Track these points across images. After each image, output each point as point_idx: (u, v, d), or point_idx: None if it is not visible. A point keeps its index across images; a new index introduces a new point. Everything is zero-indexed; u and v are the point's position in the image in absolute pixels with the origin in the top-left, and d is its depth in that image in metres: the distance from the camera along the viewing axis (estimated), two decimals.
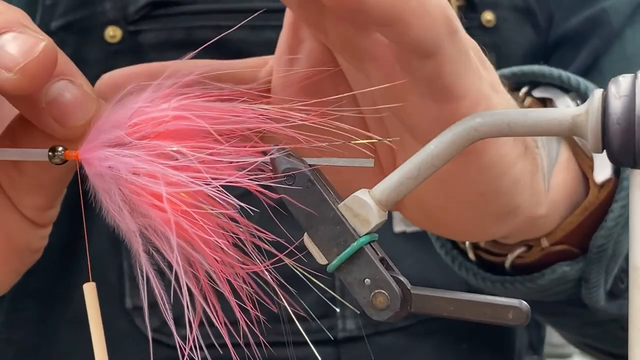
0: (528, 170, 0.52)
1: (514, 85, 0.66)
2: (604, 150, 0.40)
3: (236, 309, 0.46)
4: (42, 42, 0.43)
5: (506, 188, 0.51)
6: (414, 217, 0.54)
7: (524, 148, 0.51)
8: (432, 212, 0.53)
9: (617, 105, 0.40)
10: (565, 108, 0.42)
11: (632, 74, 0.40)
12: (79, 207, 0.49)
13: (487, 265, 0.67)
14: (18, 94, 0.43)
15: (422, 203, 0.52)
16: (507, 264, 0.65)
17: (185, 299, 0.45)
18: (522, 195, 0.52)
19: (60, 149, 0.45)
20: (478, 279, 0.66)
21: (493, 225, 0.54)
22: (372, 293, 0.42)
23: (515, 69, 0.66)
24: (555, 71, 0.64)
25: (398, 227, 0.82)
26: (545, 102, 0.64)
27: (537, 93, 0.65)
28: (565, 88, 0.65)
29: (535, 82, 0.66)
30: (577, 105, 0.62)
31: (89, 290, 0.47)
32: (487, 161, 0.49)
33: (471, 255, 0.67)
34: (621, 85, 0.40)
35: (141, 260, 0.45)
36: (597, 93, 0.41)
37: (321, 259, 0.43)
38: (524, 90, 0.65)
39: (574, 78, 0.64)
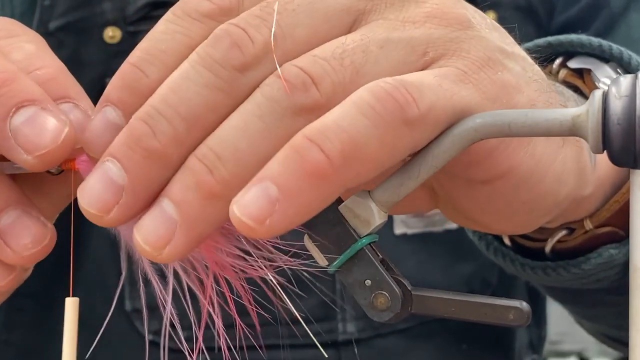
0: (571, 156, 0.48)
1: (548, 55, 0.63)
2: (605, 151, 0.40)
3: (235, 312, 0.46)
4: (65, 127, 0.43)
5: (549, 189, 0.47)
6: (450, 217, 0.52)
7: (561, 138, 0.47)
8: (471, 217, 0.50)
9: (617, 105, 0.40)
10: (565, 108, 0.42)
11: (633, 75, 0.40)
12: (77, 210, 0.49)
13: (523, 250, 0.63)
14: (33, 171, 0.45)
15: (460, 210, 0.50)
16: (548, 248, 0.61)
17: (187, 302, 0.45)
18: (568, 185, 0.49)
19: None
20: (516, 265, 0.63)
21: (537, 222, 0.51)
22: (373, 294, 0.42)
23: (551, 38, 0.62)
24: (595, 40, 0.61)
25: (399, 229, 0.82)
26: (582, 73, 0.61)
27: (573, 64, 0.62)
28: (605, 58, 0.61)
29: (570, 52, 0.62)
30: (618, 73, 0.59)
31: (71, 305, 0.47)
32: (521, 176, 0.46)
33: (507, 241, 0.63)
34: (621, 86, 0.40)
35: (142, 265, 0.45)
36: (597, 93, 0.41)
37: (322, 261, 0.43)
38: (558, 61, 0.62)
39: (616, 47, 0.61)
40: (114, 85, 0.43)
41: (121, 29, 0.79)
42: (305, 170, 0.39)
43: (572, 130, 0.41)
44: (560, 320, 0.83)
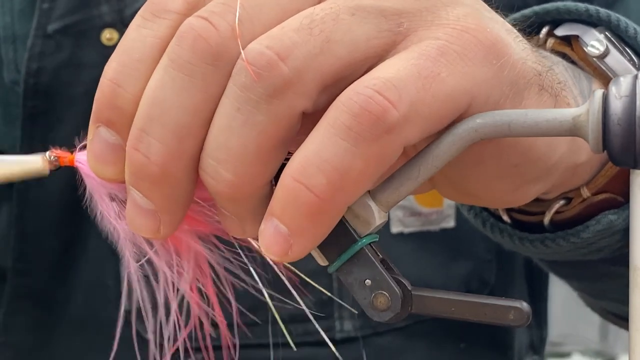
0: None
1: (536, 24, 0.61)
2: (605, 151, 0.41)
3: (232, 312, 0.46)
4: None
5: (541, 151, 0.47)
6: (444, 192, 0.51)
7: (555, 96, 0.46)
8: (465, 188, 0.49)
9: (617, 105, 0.40)
10: (565, 109, 0.42)
11: (632, 75, 0.40)
12: (76, 211, 0.49)
13: (521, 225, 0.62)
14: None
15: (453, 182, 0.49)
16: (546, 220, 0.60)
17: (174, 303, 0.46)
18: (560, 149, 0.48)
19: (53, 156, 0.46)
20: (514, 240, 0.61)
21: (531, 189, 0.50)
22: (373, 294, 0.42)
23: (537, 7, 0.61)
24: (582, 5, 0.60)
25: (395, 227, 0.81)
26: (570, 40, 0.60)
27: (561, 31, 0.60)
28: (593, 22, 0.59)
29: (557, 20, 0.61)
30: (607, 36, 0.58)
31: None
32: (511, 139, 0.45)
33: (505, 218, 0.62)
34: (622, 86, 0.40)
35: (132, 266, 0.46)
36: (598, 93, 0.41)
37: (322, 261, 0.43)
38: (544, 30, 0.61)
39: (604, 11, 0.59)
40: (99, 103, 0.43)
41: (119, 31, 0.79)
42: (300, 211, 0.40)
43: (572, 130, 0.41)
44: (561, 321, 0.82)
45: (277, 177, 0.41)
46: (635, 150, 0.39)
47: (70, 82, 0.80)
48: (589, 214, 0.59)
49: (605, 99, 0.40)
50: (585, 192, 0.58)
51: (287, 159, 0.41)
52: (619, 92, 0.40)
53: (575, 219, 0.59)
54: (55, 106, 0.80)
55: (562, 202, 0.59)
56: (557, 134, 0.41)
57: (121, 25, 0.79)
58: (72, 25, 0.80)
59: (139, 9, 0.75)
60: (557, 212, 0.59)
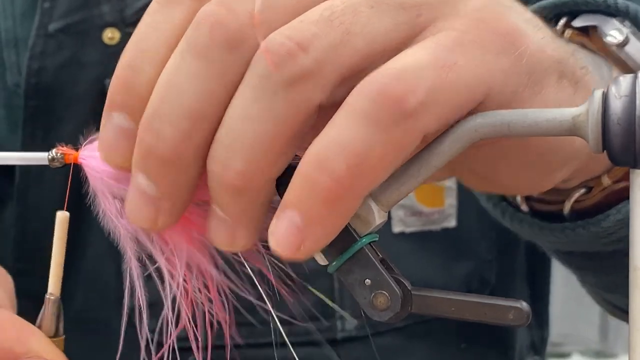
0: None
1: (552, 17, 0.61)
2: (604, 151, 0.40)
3: (232, 311, 0.46)
4: None
5: (564, 138, 0.46)
6: (470, 183, 0.51)
7: (575, 83, 0.46)
8: (487, 177, 0.49)
9: (617, 105, 0.40)
10: (565, 108, 0.42)
11: (632, 74, 0.40)
12: (77, 209, 0.49)
13: (540, 215, 0.62)
14: None
15: (482, 176, 0.49)
16: (566, 209, 0.60)
17: (173, 302, 0.46)
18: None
19: (59, 153, 0.46)
20: (534, 229, 0.61)
21: (557, 175, 0.50)
22: (373, 294, 0.42)
23: None
24: None
25: (397, 227, 0.82)
26: (588, 31, 0.60)
27: (578, 22, 0.60)
28: (611, 13, 0.59)
29: (574, 12, 0.61)
30: (627, 25, 0.58)
31: (61, 220, 0.49)
32: None
33: (524, 207, 0.62)
34: (621, 86, 0.40)
35: (133, 265, 0.46)
36: (597, 93, 0.41)
37: (322, 260, 0.43)
38: (562, 22, 0.61)
39: (622, 2, 0.59)
40: (114, 89, 0.43)
41: (120, 30, 0.79)
42: (319, 197, 0.40)
43: (572, 130, 0.41)
44: (561, 321, 0.82)
45: (279, 183, 0.41)
46: (635, 149, 0.39)
47: (72, 81, 0.80)
48: (609, 203, 0.58)
49: (605, 98, 0.40)
50: (606, 181, 0.58)
51: (291, 165, 0.41)
52: (618, 91, 0.40)
53: (596, 208, 0.59)
54: (56, 106, 0.80)
55: (582, 190, 0.59)
56: (557, 134, 0.41)
57: (122, 25, 0.79)
58: (73, 24, 0.80)
59: (140, 8, 0.75)
60: (576, 201, 0.59)
